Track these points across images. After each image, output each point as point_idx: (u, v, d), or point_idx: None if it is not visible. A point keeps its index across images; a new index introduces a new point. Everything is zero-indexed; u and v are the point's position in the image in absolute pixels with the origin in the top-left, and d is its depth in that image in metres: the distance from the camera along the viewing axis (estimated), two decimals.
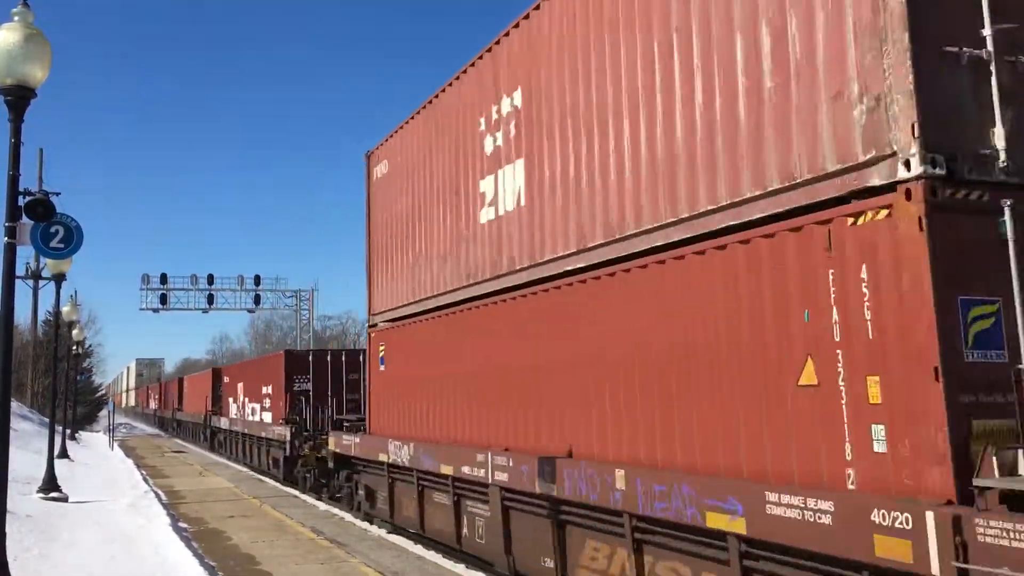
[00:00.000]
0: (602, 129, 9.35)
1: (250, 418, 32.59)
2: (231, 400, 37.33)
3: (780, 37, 6.96)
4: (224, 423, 38.48)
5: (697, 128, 7.85)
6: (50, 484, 18.76)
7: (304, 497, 22.70)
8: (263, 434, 29.40)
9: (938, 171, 5.75)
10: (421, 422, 14.24)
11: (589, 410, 9.33)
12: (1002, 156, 5.91)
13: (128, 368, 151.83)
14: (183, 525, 16.57)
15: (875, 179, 6.10)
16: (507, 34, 11.71)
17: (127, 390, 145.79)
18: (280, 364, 27.75)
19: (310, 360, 27.11)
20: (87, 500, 18.99)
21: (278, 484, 26.04)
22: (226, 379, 39.98)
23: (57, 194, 10.66)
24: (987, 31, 6.01)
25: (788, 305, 6.76)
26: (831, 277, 6.36)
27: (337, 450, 18.44)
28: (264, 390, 30.17)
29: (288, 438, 25.15)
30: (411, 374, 14.80)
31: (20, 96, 8.72)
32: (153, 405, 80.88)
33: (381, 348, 16.43)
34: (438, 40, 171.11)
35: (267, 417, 29.37)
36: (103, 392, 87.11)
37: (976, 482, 5.30)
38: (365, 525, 17.81)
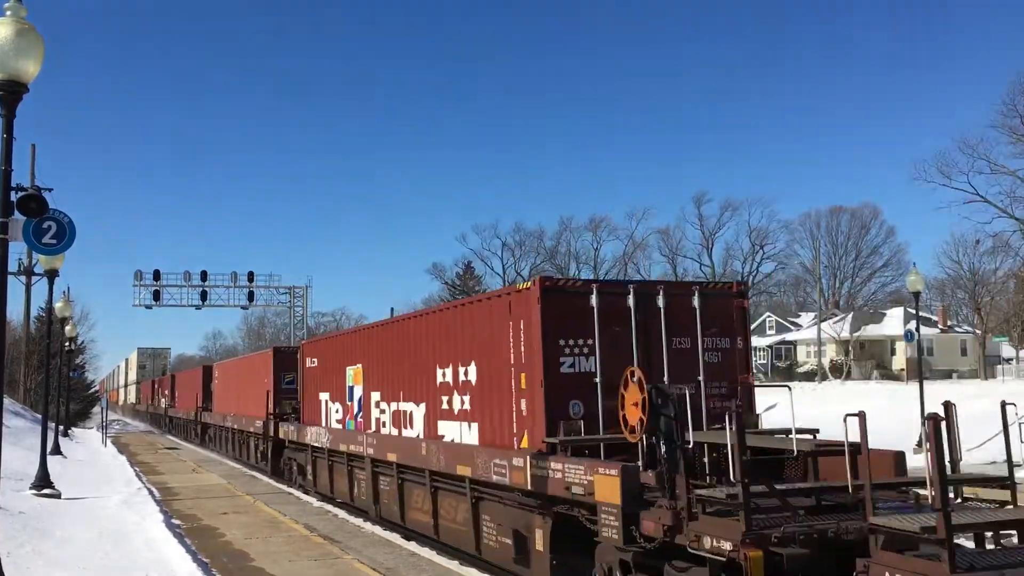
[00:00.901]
0: None
1: (385, 431, 16.70)
2: (326, 399, 21.03)
3: None
4: (313, 437, 21.56)
5: None
6: (43, 481, 18.73)
7: (298, 494, 22.68)
8: (440, 465, 13.64)
9: None
10: None
11: None
12: None
13: (127, 360, 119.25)
14: (176, 522, 16.54)
15: None
16: None
17: (127, 384, 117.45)
18: (528, 311, 11.31)
19: (593, 305, 11.22)
20: (80, 497, 18.96)
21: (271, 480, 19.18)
22: (310, 362, 22.70)
23: (50, 190, 10.69)
24: None
25: None
26: None
27: None
28: (443, 376, 14.04)
29: (621, 508, 8.59)
30: None
31: (12, 91, 8.69)
32: (163, 403, 63.17)
33: None
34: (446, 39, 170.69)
35: (451, 430, 13.71)
36: (96, 389, 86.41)
37: None
38: (359, 521, 17.72)
